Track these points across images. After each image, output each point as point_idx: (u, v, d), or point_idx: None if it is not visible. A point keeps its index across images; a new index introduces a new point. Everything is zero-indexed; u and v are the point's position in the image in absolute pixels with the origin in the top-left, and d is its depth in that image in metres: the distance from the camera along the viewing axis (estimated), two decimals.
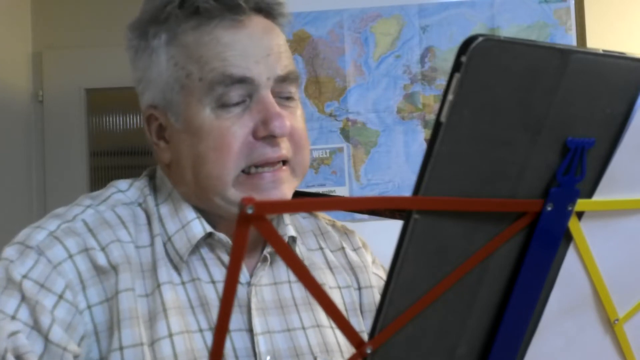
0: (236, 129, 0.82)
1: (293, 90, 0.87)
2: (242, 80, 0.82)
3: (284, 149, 0.84)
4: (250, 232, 0.42)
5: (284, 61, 0.85)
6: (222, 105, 0.82)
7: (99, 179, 3.07)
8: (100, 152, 3.14)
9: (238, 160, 0.82)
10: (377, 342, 0.49)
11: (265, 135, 0.82)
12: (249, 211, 0.41)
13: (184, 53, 0.84)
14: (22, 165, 2.93)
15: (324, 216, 1.05)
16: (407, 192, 0.48)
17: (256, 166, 0.83)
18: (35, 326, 0.77)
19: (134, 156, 3.20)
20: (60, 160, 2.99)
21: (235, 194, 0.83)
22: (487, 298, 0.54)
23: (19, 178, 2.90)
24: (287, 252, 0.46)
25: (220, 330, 0.44)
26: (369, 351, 0.49)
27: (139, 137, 3.18)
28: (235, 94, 0.82)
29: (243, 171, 0.83)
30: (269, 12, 0.88)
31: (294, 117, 0.86)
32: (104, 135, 3.18)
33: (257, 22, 0.86)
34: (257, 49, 0.83)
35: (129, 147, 3.21)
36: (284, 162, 0.85)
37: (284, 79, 0.85)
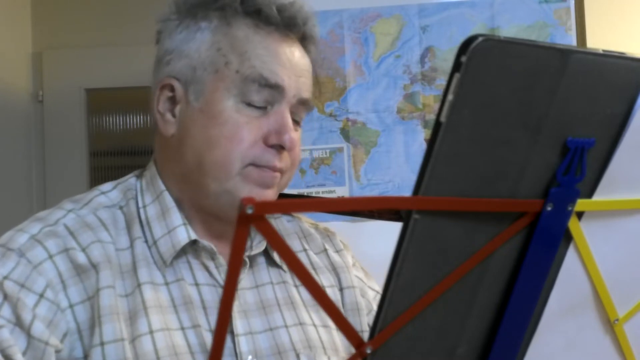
0: (251, 129, 0.86)
1: (303, 116, 0.92)
2: (274, 87, 0.87)
3: (284, 162, 0.89)
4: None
5: (308, 87, 0.92)
6: (246, 102, 0.86)
7: (99, 179, 3.06)
8: (100, 152, 3.14)
9: (245, 156, 0.86)
10: (377, 342, 0.49)
11: (274, 143, 0.86)
12: (249, 211, 0.41)
13: (230, 43, 0.87)
14: (22, 165, 2.93)
15: (306, 219, 1.07)
16: (407, 192, 0.48)
17: (256, 165, 0.86)
18: (18, 322, 0.78)
19: (134, 156, 3.20)
20: (60, 160, 2.98)
21: (236, 184, 0.86)
22: (487, 298, 0.54)
23: (19, 178, 2.90)
24: (286, 252, 0.46)
25: (220, 331, 0.44)
26: (368, 351, 0.49)
27: (139, 137, 3.18)
28: (262, 97, 0.86)
29: (251, 164, 0.86)
30: (308, 44, 0.94)
31: (297, 139, 0.90)
32: (104, 135, 3.17)
33: (298, 47, 0.92)
34: (294, 68, 0.89)
35: (129, 147, 3.21)
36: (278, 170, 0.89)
37: (303, 102, 0.90)
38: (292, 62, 0.89)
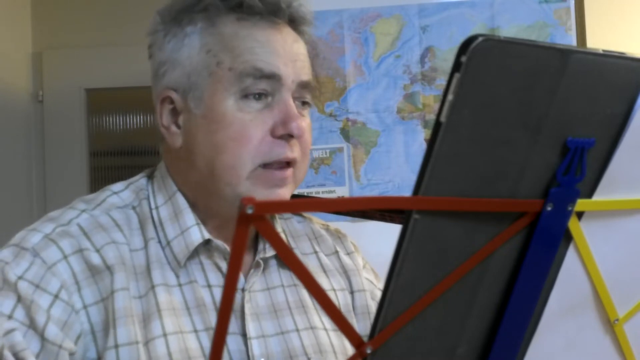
0: (256, 125, 0.85)
1: (310, 97, 0.90)
2: (270, 76, 0.85)
3: (296, 151, 0.87)
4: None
5: (307, 69, 0.89)
6: (246, 96, 0.85)
7: (99, 179, 3.06)
8: (100, 152, 3.14)
9: (255, 155, 0.84)
10: (377, 342, 0.49)
11: (282, 134, 0.85)
12: (249, 211, 0.41)
13: (218, 42, 0.86)
14: (22, 165, 2.93)
15: (317, 220, 1.06)
16: (407, 192, 0.48)
17: (265, 165, 0.85)
18: (32, 325, 0.78)
19: (134, 156, 3.20)
20: (60, 160, 2.98)
21: (247, 187, 0.85)
22: (487, 298, 0.54)
23: (19, 178, 2.90)
24: (287, 252, 0.46)
25: (220, 332, 0.44)
26: (369, 351, 0.49)
27: (139, 137, 3.18)
28: (260, 87, 0.85)
29: (260, 166, 0.85)
30: (298, 26, 0.91)
31: (305, 125, 0.88)
32: (104, 135, 3.17)
33: (289, 31, 0.90)
34: (287, 53, 0.87)
35: (129, 147, 3.21)
36: (289, 165, 0.87)
37: (305, 85, 0.88)
38: (284, 48, 0.87)
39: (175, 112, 0.89)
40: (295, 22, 0.91)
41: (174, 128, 0.89)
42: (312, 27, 0.94)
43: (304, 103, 0.90)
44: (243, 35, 0.86)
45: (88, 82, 3.03)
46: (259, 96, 0.85)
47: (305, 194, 1.92)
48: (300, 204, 0.47)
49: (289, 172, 0.87)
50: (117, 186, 0.93)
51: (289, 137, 0.85)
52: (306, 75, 0.89)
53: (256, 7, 0.86)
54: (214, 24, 0.87)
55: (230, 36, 0.86)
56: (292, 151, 0.86)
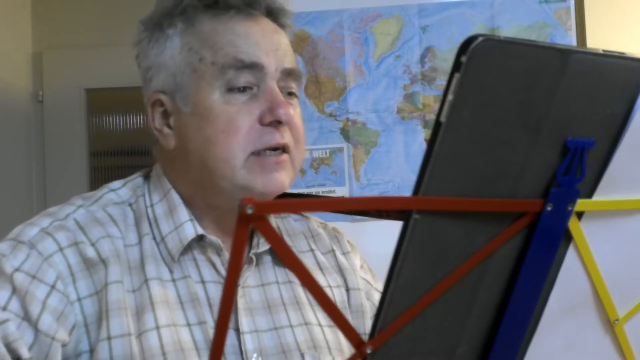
0: (244, 115, 0.86)
1: (295, 86, 0.91)
2: (253, 66, 0.86)
3: (287, 138, 0.88)
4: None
5: (290, 58, 0.90)
6: (231, 89, 0.86)
7: (99, 179, 3.06)
8: (100, 152, 3.14)
9: (246, 144, 0.85)
10: (377, 342, 0.49)
11: (270, 120, 0.86)
12: (249, 211, 0.41)
13: (198, 39, 0.88)
14: (22, 165, 2.93)
15: (315, 219, 1.06)
16: (407, 192, 0.48)
17: (258, 152, 0.86)
18: (26, 317, 0.79)
19: (134, 156, 3.20)
20: (60, 160, 2.98)
21: (243, 177, 0.86)
22: (487, 298, 0.54)
23: (19, 178, 2.90)
24: (286, 252, 0.46)
25: (221, 328, 0.44)
26: (368, 351, 0.49)
27: (139, 137, 3.18)
28: (244, 79, 0.86)
29: (252, 153, 0.86)
30: (277, 17, 0.93)
31: (294, 112, 0.89)
32: (104, 135, 3.18)
33: (268, 23, 0.91)
34: (267, 43, 0.88)
35: (129, 147, 3.21)
36: (284, 151, 0.88)
37: (289, 73, 0.89)
38: (264, 39, 0.88)
39: (166, 114, 0.90)
40: (273, 15, 0.92)
41: (166, 130, 0.90)
42: (292, 19, 0.95)
43: (290, 93, 0.91)
44: (221, 30, 0.87)
45: (88, 82, 3.03)
46: (244, 89, 0.86)
47: (306, 193, 1.92)
48: (300, 204, 0.47)
49: (284, 156, 0.87)
50: (115, 184, 0.94)
51: (277, 123, 0.86)
52: (289, 63, 0.90)
53: (231, 1, 0.88)
54: (192, 23, 0.89)
55: (209, 32, 0.88)
56: (283, 137, 0.87)
